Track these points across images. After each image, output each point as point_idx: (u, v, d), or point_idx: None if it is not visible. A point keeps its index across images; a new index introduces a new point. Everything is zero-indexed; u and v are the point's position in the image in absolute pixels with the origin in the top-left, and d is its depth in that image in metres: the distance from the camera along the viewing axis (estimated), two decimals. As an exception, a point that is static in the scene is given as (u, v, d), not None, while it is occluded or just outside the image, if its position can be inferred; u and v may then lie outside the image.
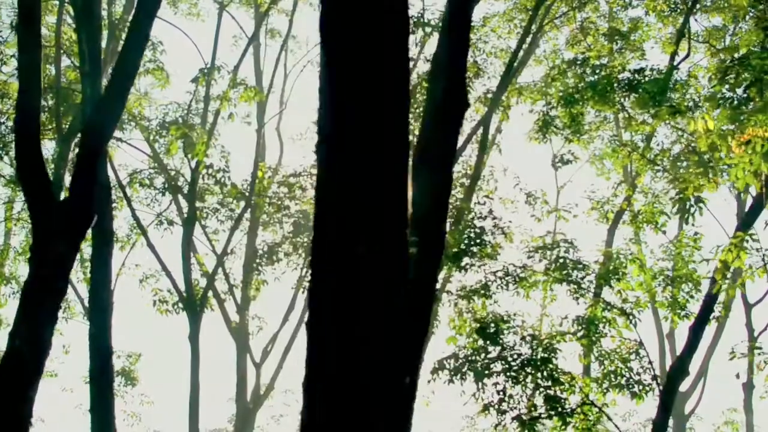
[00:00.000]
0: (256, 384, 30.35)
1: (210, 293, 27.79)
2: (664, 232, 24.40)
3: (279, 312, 31.33)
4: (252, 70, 33.10)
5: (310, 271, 6.59)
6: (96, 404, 17.12)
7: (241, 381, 29.83)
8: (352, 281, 6.61)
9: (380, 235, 6.64)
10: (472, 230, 21.66)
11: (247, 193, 28.62)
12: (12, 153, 29.85)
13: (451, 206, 25.35)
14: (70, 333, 34.01)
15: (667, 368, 24.42)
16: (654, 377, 21.37)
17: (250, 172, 29.26)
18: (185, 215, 27.62)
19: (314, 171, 28.48)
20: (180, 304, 27.82)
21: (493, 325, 20.86)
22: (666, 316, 22.23)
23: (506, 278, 21.27)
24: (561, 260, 21.32)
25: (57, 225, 13.84)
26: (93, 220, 14.45)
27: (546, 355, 21.48)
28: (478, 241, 21.37)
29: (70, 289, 32.33)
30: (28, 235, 31.52)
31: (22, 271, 31.86)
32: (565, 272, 21.30)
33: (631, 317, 21.51)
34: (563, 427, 21.71)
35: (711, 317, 20.65)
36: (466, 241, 21.36)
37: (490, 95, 25.86)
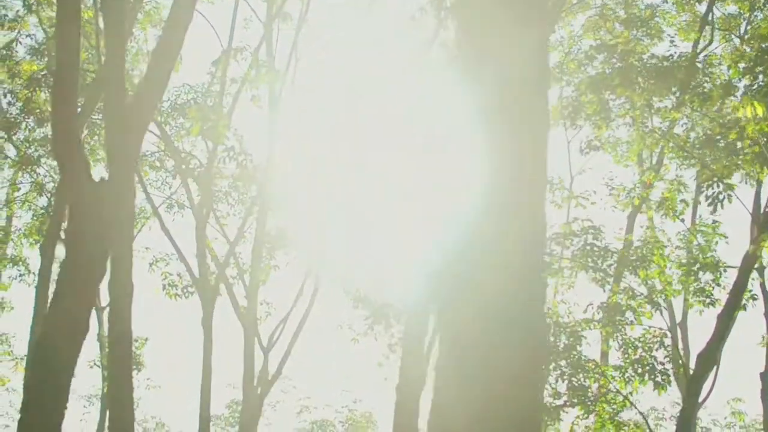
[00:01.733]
0: (264, 370, 30.05)
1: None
2: (682, 220, 24.34)
3: (286, 297, 30.88)
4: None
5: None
6: (114, 390, 16.70)
7: (248, 367, 29.51)
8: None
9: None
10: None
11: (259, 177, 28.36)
12: (19, 135, 29.55)
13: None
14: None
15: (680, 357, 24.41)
16: (681, 365, 21.29)
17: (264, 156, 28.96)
18: (195, 199, 27.34)
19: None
20: (190, 288, 27.50)
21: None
22: (691, 303, 22.15)
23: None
24: (588, 247, 21.17)
25: (92, 205, 13.60)
26: (134, 201, 14.26)
27: (570, 342, 21.36)
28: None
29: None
30: (34, 217, 31.24)
31: (28, 253, 31.63)
32: (591, 259, 21.15)
33: (656, 305, 21.41)
34: (585, 415, 21.60)
35: (740, 305, 20.64)
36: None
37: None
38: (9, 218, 32.93)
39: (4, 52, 26.78)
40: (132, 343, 18.13)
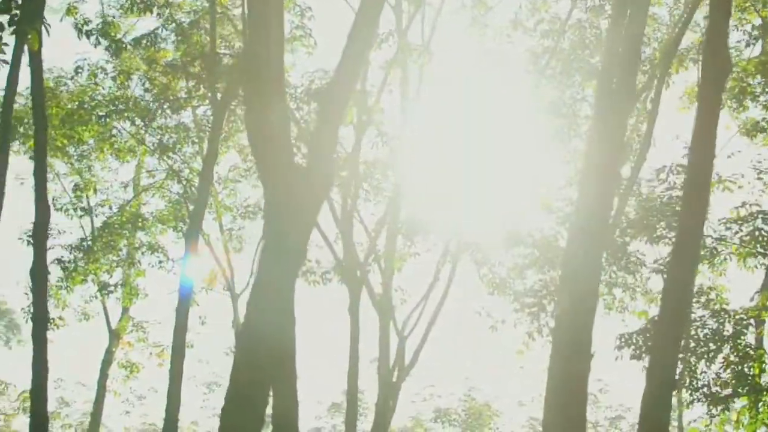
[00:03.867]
0: (400, 357, 29.76)
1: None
2: None
3: (421, 284, 30.58)
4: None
5: None
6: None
7: (383, 354, 29.22)
8: None
9: None
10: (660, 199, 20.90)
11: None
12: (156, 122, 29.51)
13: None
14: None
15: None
16: None
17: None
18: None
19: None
20: (328, 275, 27.27)
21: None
22: None
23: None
24: (758, 232, 20.46)
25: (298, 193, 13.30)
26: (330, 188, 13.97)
27: (738, 329, 20.68)
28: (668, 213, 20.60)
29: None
30: (169, 204, 31.37)
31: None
32: (760, 245, 20.46)
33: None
34: (753, 408, 20.88)
35: None
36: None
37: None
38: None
39: (145, 41, 26.61)
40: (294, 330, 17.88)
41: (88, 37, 25.03)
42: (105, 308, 34.12)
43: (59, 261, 30.00)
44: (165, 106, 28.60)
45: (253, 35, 13.96)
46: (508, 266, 30.09)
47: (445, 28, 31.03)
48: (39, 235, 20.96)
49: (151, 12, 25.06)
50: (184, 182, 30.31)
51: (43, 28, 16.24)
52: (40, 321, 20.67)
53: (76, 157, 32.49)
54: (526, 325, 28.63)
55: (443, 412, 46.95)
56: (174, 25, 26.69)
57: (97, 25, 25.34)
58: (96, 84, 28.73)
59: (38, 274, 20.77)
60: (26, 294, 28.48)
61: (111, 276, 31.33)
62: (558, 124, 29.71)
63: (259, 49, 13.89)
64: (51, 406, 49.51)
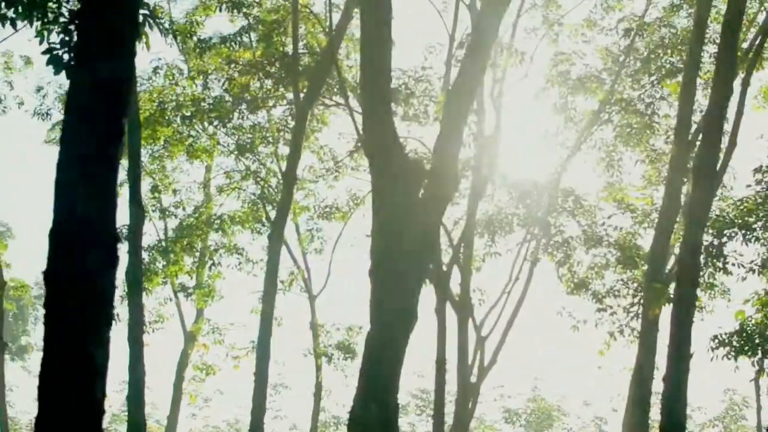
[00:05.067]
0: (480, 357, 29.61)
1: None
2: None
3: (497, 285, 30.41)
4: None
5: None
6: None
7: (462, 354, 29.08)
8: None
9: None
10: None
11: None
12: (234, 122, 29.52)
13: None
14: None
15: None
16: None
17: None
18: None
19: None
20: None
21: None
22: None
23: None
24: None
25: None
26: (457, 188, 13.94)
27: None
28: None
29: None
30: (246, 205, 31.36)
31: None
32: None
33: None
34: None
35: None
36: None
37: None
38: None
39: (230, 41, 26.65)
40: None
41: (175, 38, 25.11)
42: (180, 310, 34.17)
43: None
44: (242, 107, 28.60)
45: (369, 42, 13.94)
46: (586, 266, 29.90)
47: (520, 27, 30.90)
48: (134, 238, 21.04)
49: (239, 10, 24.99)
50: (261, 183, 30.31)
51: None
52: (137, 323, 20.71)
53: (148, 158, 32.61)
54: (607, 325, 28.51)
55: (513, 412, 46.77)
56: (258, 24, 26.66)
57: (186, 24, 25.42)
58: (176, 84, 28.79)
59: (135, 276, 20.84)
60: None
61: (191, 278, 31.44)
62: (635, 122, 29.55)
63: (378, 57, 13.89)
64: (116, 409, 49.90)
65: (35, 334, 57.26)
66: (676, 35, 29.02)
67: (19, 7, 15.84)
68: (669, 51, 28.95)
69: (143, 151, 32.19)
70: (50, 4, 15.67)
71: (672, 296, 23.28)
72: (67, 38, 15.55)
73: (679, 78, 27.23)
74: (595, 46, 31.56)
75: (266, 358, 25.20)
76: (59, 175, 6.44)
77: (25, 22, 16.04)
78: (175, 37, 25.51)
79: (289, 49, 27.05)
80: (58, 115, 32.37)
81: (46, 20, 15.45)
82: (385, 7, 13.95)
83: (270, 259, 25.60)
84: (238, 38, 26.50)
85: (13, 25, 16.04)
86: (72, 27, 15.58)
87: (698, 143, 20.31)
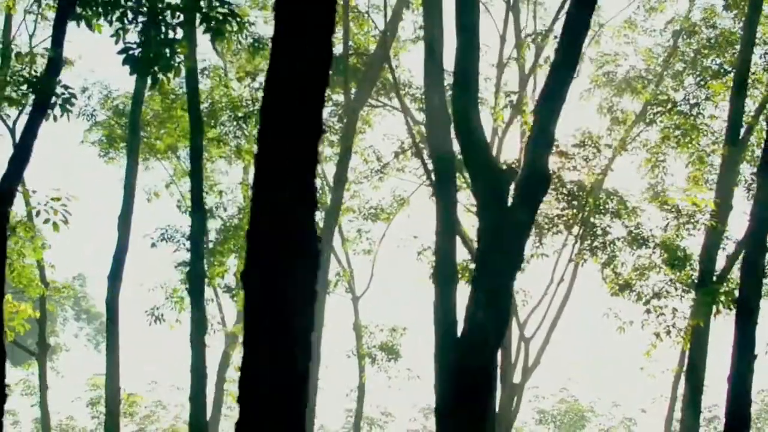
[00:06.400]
0: (524, 358, 29.67)
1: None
2: None
3: (540, 285, 30.47)
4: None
5: None
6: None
7: (506, 355, 29.14)
8: None
9: None
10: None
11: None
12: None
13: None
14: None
15: None
16: None
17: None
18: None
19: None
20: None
21: None
22: None
23: None
24: None
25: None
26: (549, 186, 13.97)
27: None
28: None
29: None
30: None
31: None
32: None
33: None
34: None
35: None
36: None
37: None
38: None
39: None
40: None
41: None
42: (221, 311, 34.26)
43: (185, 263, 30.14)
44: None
45: (462, 44, 13.98)
46: (630, 267, 29.84)
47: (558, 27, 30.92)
48: (197, 240, 21.07)
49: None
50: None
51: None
52: (199, 325, 20.73)
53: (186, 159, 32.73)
54: (653, 326, 28.44)
55: (547, 414, 46.80)
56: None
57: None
58: (226, 86, 28.84)
59: (198, 278, 20.88)
60: (180, 298, 28.75)
61: (237, 279, 31.45)
62: (682, 123, 29.54)
63: (469, 59, 13.95)
64: (146, 409, 49.94)
65: (63, 335, 57.40)
66: (722, 36, 29.05)
67: (99, 8, 15.88)
68: (716, 52, 28.99)
69: (182, 153, 32.44)
70: (129, 2, 15.70)
71: (723, 300, 23.37)
72: (144, 38, 15.62)
73: (725, 79, 27.34)
74: (635, 47, 31.68)
75: (315, 360, 25.26)
76: (258, 175, 6.42)
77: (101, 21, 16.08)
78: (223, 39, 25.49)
79: (335, 49, 27.07)
80: (101, 116, 32.49)
81: (126, 19, 15.50)
82: (475, 12, 14.04)
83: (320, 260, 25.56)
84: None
85: (89, 25, 16.11)
86: (150, 27, 15.66)
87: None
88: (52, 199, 13.91)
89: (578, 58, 13.78)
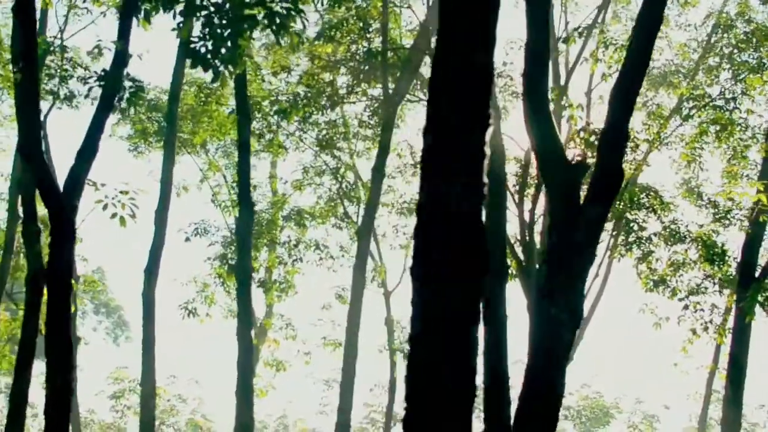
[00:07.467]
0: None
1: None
2: None
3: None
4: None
5: None
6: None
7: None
8: None
9: None
10: None
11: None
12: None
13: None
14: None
15: None
16: None
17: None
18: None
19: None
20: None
21: None
22: None
23: None
24: None
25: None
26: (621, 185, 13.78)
27: None
28: None
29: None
30: (321, 200, 31.22)
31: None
32: None
33: None
34: None
35: None
36: None
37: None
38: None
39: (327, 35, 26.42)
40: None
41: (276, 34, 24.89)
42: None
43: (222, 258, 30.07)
44: (324, 102, 28.42)
45: (534, 36, 13.74)
46: (665, 263, 29.73)
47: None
48: (244, 235, 20.95)
49: (340, 5, 24.71)
50: (340, 178, 30.24)
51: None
52: (246, 319, 20.65)
53: (219, 154, 32.69)
54: (689, 322, 28.35)
55: (573, 410, 46.60)
56: (351, 17, 26.43)
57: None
58: (263, 80, 28.67)
59: (244, 273, 20.77)
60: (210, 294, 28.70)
61: (271, 273, 31.40)
62: (719, 117, 29.35)
63: (541, 52, 13.71)
64: (165, 404, 49.77)
65: (83, 329, 57.26)
66: (758, 30, 28.85)
67: (161, 2, 15.67)
68: (752, 46, 28.81)
69: (211, 147, 32.31)
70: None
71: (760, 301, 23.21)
72: (208, 30, 15.44)
73: (762, 73, 27.22)
74: (669, 42, 31.49)
75: (353, 356, 25.12)
76: (425, 166, 6.29)
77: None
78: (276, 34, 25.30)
79: (371, 44, 26.88)
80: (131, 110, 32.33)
81: (191, 12, 15.29)
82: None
83: (359, 255, 25.50)
84: (338, 30, 26.12)
85: (147, 18, 15.94)
86: (215, 19, 15.48)
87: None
88: (121, 192, 13.77)
89: (650, 57, 13.59)
